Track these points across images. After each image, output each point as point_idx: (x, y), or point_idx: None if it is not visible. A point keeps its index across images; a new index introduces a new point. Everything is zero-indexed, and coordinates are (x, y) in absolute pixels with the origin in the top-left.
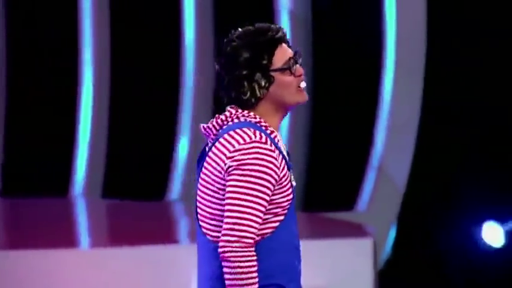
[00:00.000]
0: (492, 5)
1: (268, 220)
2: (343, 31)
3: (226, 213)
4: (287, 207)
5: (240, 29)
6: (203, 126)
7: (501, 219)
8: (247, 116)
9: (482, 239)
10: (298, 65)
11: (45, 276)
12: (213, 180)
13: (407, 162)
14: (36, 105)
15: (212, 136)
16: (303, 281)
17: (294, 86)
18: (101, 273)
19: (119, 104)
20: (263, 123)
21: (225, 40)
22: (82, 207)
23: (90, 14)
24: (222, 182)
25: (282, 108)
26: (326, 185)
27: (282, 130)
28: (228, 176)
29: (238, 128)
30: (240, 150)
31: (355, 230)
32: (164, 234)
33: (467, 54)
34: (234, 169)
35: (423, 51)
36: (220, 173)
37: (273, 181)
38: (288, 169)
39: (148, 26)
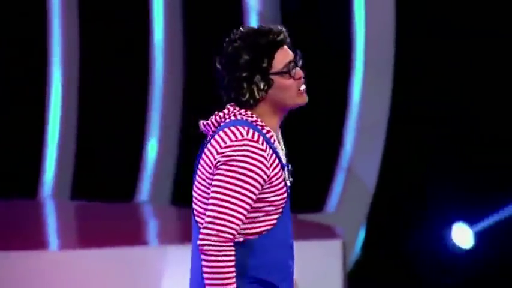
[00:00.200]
0: (461, 6)
1: (262, 219)
2: (312, 32)
3: (209, 207)
4: (281, 205)
5: (242, 29)
6: (203, 123)
7: (470, 221)
8: (245, 115)
9: (451, 240)
10: (298, 68)
11: (12, 277)
12: (205, 176)
13: (376, 163)
14: (5, 106)
15: (211, 133)
16: None
17: (293, 89)
18: (70, 275)
19: (87, 105)
20: (259, 123)
21: (227, 40)
22: (51, 208)
23: (59, 14)
24: (211, 177)
25: (281, 109)
26: (295, 186)
27: None
28: (216, 170)
29: (233, 126)
30: (230, 146)
31: (325, 232)
32: (133, 236)
33: (436, 55)
34: (222, 164)
35: (392, 52)
36: (211, 168)
37: (260, 180)
38: (282, 168)
39: (118, 25)
